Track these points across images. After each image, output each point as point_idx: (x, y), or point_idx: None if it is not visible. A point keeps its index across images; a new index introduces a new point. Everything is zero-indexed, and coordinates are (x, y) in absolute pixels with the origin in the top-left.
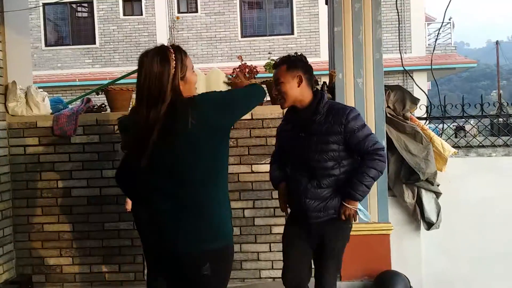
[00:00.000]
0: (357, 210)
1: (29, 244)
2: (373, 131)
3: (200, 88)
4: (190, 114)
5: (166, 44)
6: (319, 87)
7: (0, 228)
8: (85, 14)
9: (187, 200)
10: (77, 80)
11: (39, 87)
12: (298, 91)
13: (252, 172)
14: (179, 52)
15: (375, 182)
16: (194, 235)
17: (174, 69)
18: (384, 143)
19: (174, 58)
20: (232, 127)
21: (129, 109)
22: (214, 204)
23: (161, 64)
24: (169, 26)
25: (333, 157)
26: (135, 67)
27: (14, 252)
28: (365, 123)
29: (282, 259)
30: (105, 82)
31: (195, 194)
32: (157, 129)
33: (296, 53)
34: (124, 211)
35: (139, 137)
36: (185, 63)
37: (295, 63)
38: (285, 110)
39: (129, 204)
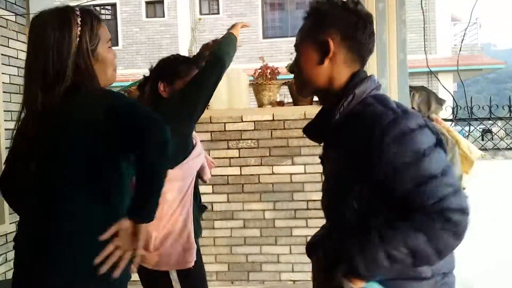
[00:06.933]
0: None
1: None
2: None
3: (223, 87)
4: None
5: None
6: None
7: None
8: (109, 16)
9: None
10: None
11: None
12: (318, 71)
13: (273, 173)
14: (89, 16)
15: None
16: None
17: (78, 39)
18: None
19: (79, 22)
20: (253, 128)
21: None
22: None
23: (59, 30)
24: (191, 27)
25: (355, 208)
26: None
27: None
28: (425, 148)
29: (302, 261)
30: (128, 83)
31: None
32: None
33: None
34: None
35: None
36: (97, 33)
37: (325, 16)
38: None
39: None
